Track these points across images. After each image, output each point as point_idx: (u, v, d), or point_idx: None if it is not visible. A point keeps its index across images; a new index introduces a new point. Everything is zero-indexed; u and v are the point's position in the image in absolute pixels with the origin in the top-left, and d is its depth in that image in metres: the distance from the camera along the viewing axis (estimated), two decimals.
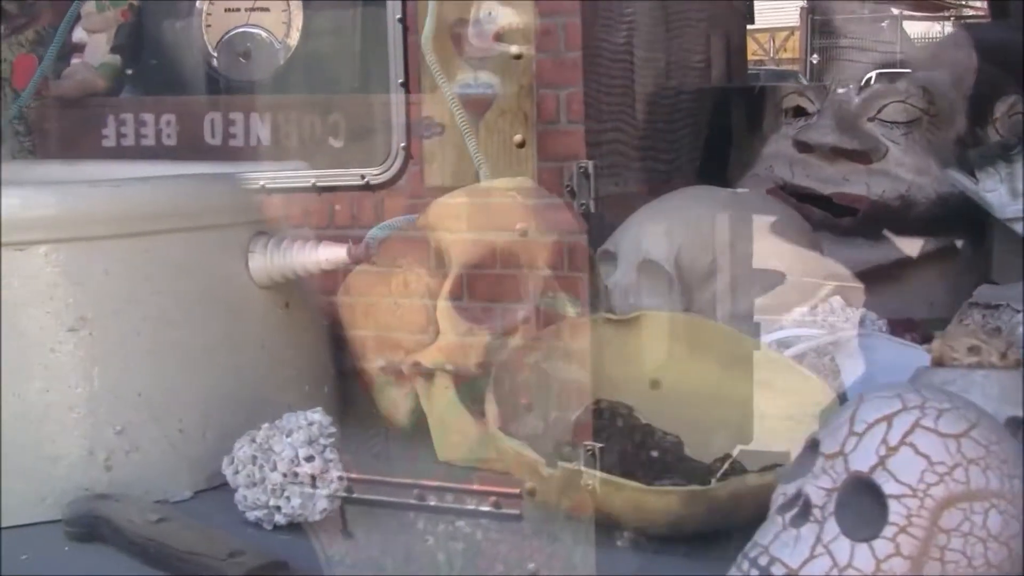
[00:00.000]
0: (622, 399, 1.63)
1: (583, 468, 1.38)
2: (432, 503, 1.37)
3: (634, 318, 1.68)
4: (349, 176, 2.26)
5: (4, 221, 1.47)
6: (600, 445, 1.45)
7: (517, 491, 1.37)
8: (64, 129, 2.51)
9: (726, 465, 1.48)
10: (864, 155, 2.53)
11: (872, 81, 2.59)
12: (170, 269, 1.60)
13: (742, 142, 2.84)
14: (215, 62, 2.41)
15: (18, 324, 1.50)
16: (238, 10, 2.38)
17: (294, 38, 2.35)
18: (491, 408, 1.51)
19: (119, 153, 2.42)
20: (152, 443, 1.57)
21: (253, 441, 1.49)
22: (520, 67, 2.25)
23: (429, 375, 1.72)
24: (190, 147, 2.37)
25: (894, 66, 2.60)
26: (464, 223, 1.71)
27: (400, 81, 2.26)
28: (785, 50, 10.15)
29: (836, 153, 2.53)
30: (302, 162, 2.14)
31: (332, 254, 1.64)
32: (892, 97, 2.55)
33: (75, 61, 2.57)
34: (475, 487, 1.39)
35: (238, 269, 1.67)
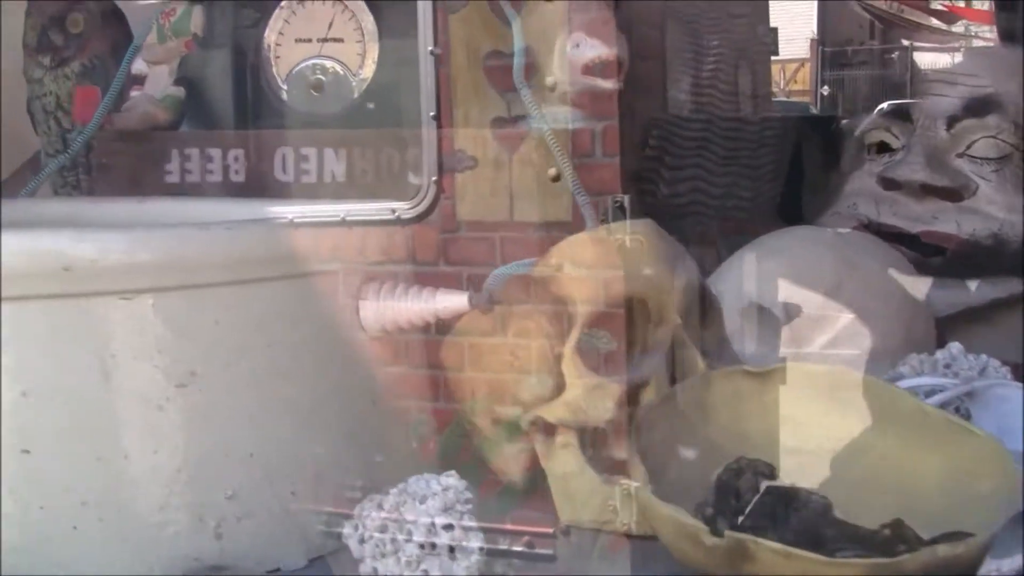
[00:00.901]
0: (763, 456, 1.51)
1: (752, 538, 1.26)
2: None
3: (774, 370, 1.57)
4: (379, 210, 2.12)
5: (108, 268, 1.35)
6: (751, 504, 1.34)
7: None
8: (125, 164, 2.39)
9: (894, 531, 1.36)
10: (954, 192, 2.44)
11: (960, 116, 2.49)
12: (281, 318, 1.48)
13: (818, 178, 2.75)
14: (284, 95, 2.30)
15: (123, 380, 1.38)
16: (309, 41, 2.27)
17: (369, 70, 2.24)
18: (637, 469, 1.39)
19: (183, 189, 2.30)
20: (264, 508, 1.45)
21: (380, 507, 1.37)
22: (554, 100, 2.16)
23: (550, 429, 1.60)
24: (260, 183, 2.25)
25: (983, 100, 2.50)
26: (589, 268, 1.59)
27: (432, 114, 2.14)
28: (795, 82, 10.12)
29: (925, 191, 2.44)
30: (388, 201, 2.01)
31: (452, 301, 1.54)
32: (982, 133, 2.46)
33: (135, 93, 2.46)
34: None
35: (348, 317, 1.55)
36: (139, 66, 2.50)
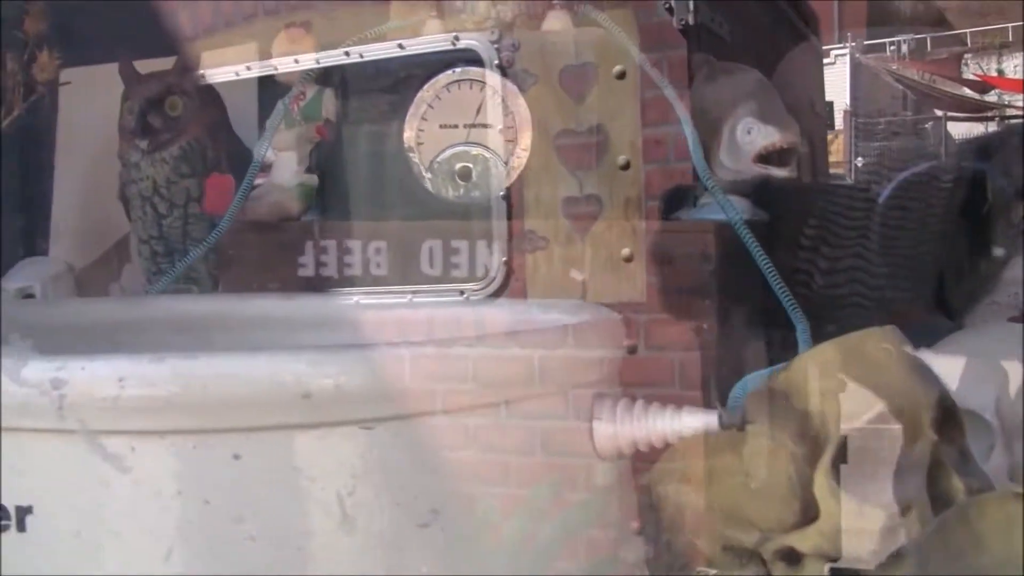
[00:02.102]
0: None
1: None
2: None
3: None
4: (447, 291, 2.08)
5: (351, 394, 1.20)
6: None
7: None
8: (253, 256, 2.25)
9: None
10: None
11: None
12: (520, 443, 1.33)
13: (963, 263, 2.61)
14: (428, 183, 2.16)
15: (362, 520, 1.22)
16: (456, 127, 2.14)
17: (521, 158, 2.11)
18: None
19: (318, 284, 2.16)
20: None
21: None
22: (628, 179, 2.06)
23: (794, 559, 1.45)
24: (404, 277, 2.11)
25: None
26: (839, 382, 1.45)
27: (501, 193, 2.09)
28: (829, 153, 10.10)
29: None
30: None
31: (698, 420, 1.38)
32: None
33: (260, 181, 2.32)
34: None
35: (581, 439, 1.40)
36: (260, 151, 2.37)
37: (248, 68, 2.58)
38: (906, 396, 1.47)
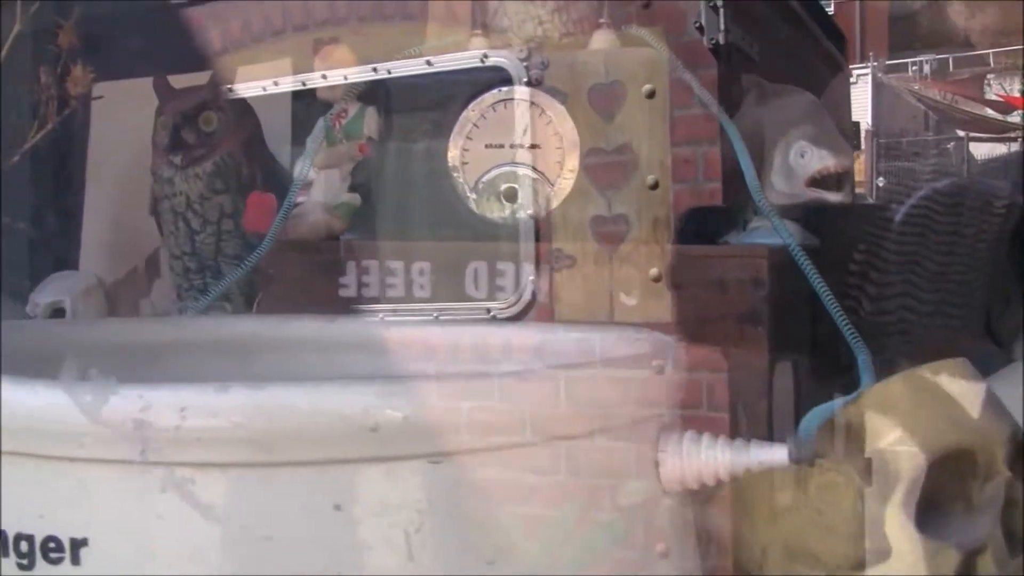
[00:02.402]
0: None
1: None
2: None
3: None
4: (472, 310, 2.06)
5: (419, 427, 1.16)
6: None
7: None
8: (294, 276, 2.21)
9: None
10: None
11: None
12: (584, 480, 1.29)
13: (1010, 288, 2.57)
14: (473, 203, 2.12)
15: (427, 559, 1.18)
16: (502, 147, 2.11)
17: (567, 180, 2.07)
18: None
19: (360, 304, 2.12)
20: None
21: None
22: (656, 198, 2.02)
23: None
24: (449, 298, 2.08)
25: None
26: (911, 417, 1.41)
27: (528, 212, 2.08)
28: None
29: None
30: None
31: (769, 456, 1.34)
32: None
33: (301, 199, 2.29)
34: None
35: (646, 473, 1.36)
36: (296, 169, 2.33)
37: (276, 84, 2.57)
38: (979, 432, 1.43)
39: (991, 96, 8.55)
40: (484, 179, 2.12)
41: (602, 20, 2.17)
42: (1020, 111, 8.37)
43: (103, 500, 1.19)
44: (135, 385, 1.17)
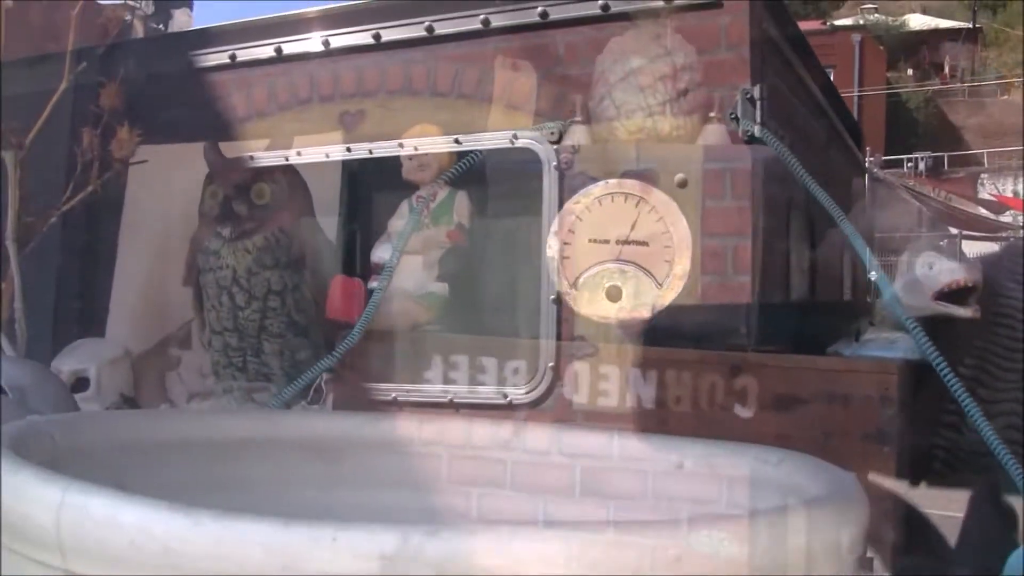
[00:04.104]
0: None
1: None
2: None
3: None
4: (490, 394, 2.01)
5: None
6: None
7: None
8: (376, 367, 2.07)
9: None
10: None
11: None
12: None
13: None
14: (573, 300, 2.00)
15: None
16: (607, 242, 1.99)
17: (677, 284, 1.95)
18: None
19: (448, 403, 1.98)
20: None
21: None
22: (688, 288, 1.95)
23: None
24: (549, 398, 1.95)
25: None
26: None
27: (552, 298, 2.01)
28: None
29: None
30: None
31: None
32: None
33: (374, 284, 2.14)
34: None
35: None
36: (380, 253, 2.20)
37: (299, 154, 2.49)
38: None
39: (984, 195, 8.62)
40: (584, 275, 1.99)
41: (712, 114, 2.08)
42: (1013, 211, 8.44)
43: None
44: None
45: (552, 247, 2.00)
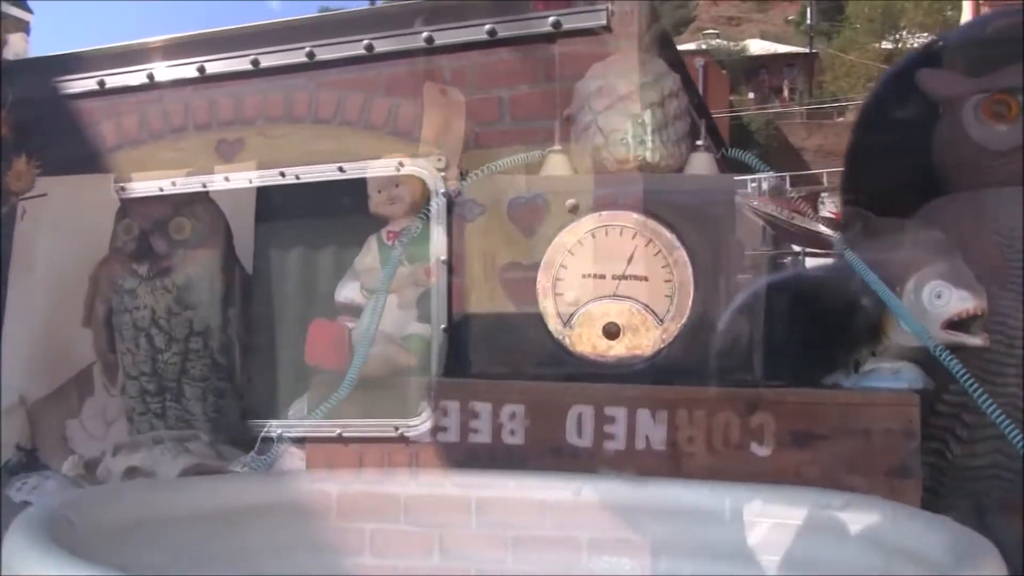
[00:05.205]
0: None
1: None
2: None
3: None
4: (379, 427, 1.93)
5: None
6: None
7: None
8: (355, 413, 1.90)
9: None
10: None
11: None
12: None
13: None
14: (567, 340, 1.89)
15: None
16: (603, 277, 1.89)
17: (680, 317, 1.87)
18: None
19: (442, 452, 1.83)
20: None
21: None
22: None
23: None
24: (546, 448, 1.82)
25: None
26: None
27: (443, 327, 2.01)
28: None
29: None
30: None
31: None
32: None
33: (351, 325, 1.98)
34: None
35: None
36: (348, 293, 2.04)
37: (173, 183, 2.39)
38: None
39: (825, 213, 8.93)
40: (579, 312, 1.89)
41: (699, 143, 2.02)
42: None
43: None
44: None
45: (544, 283, 1.89)
